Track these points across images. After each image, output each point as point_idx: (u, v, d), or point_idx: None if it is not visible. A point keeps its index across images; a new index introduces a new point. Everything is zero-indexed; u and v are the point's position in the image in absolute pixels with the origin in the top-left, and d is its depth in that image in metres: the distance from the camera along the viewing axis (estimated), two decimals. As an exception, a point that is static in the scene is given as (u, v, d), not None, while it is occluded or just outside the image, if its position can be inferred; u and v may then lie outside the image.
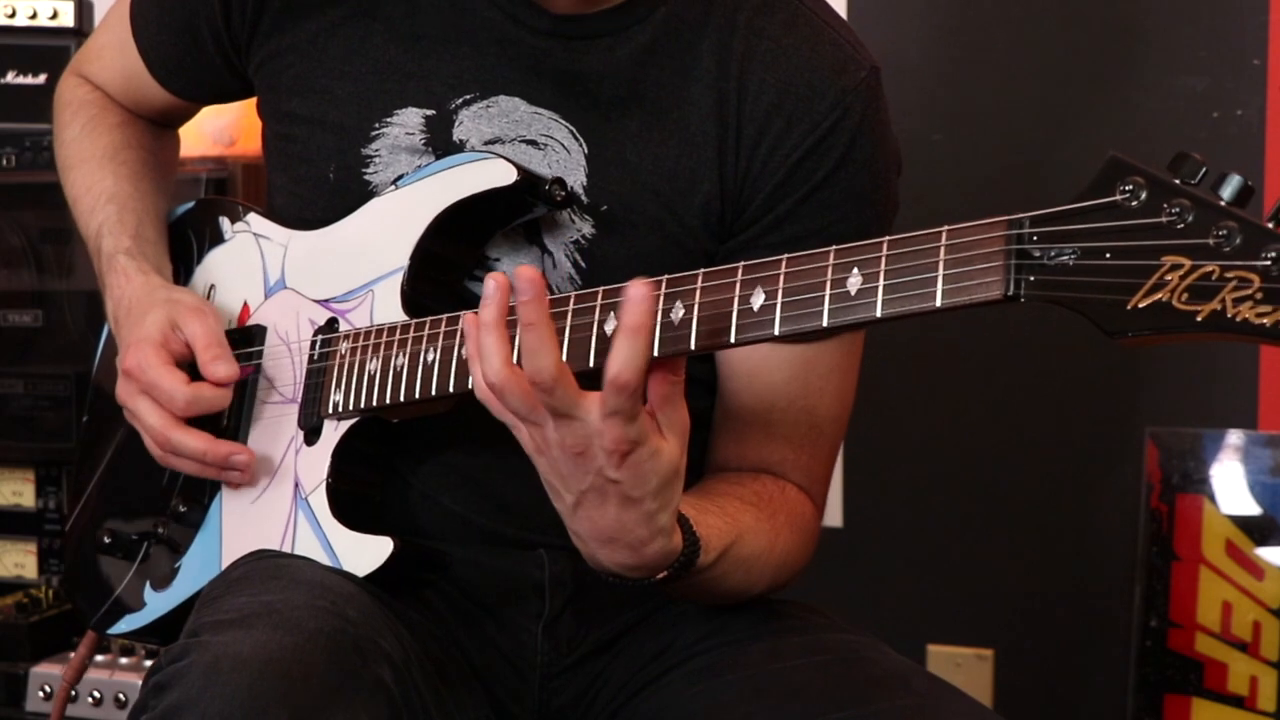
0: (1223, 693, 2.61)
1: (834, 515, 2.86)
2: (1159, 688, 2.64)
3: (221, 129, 2.75)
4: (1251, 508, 2.63)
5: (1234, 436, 2.65)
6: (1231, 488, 2.64)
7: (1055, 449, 2.79)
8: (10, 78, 2.68)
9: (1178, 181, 1.08)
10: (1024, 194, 2.72)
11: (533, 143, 1.58)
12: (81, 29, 2.67)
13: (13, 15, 2.67)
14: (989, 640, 2.84)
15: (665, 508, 1.31)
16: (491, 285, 1.32)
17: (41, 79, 2.67)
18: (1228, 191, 1.07)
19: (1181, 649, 2.64)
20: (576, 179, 1.57)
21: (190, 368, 1.60)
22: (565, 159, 1.57)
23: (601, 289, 1.34)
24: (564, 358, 1.28)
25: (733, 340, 1.27)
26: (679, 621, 1.59)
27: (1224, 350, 2.63)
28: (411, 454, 1.60)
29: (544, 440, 1.30)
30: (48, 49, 2.67)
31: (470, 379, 1.36)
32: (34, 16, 2.67)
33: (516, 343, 1.28)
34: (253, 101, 1.82)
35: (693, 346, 1.28)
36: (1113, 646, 2.74)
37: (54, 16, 2.67)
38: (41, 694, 2.53)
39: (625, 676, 1.59)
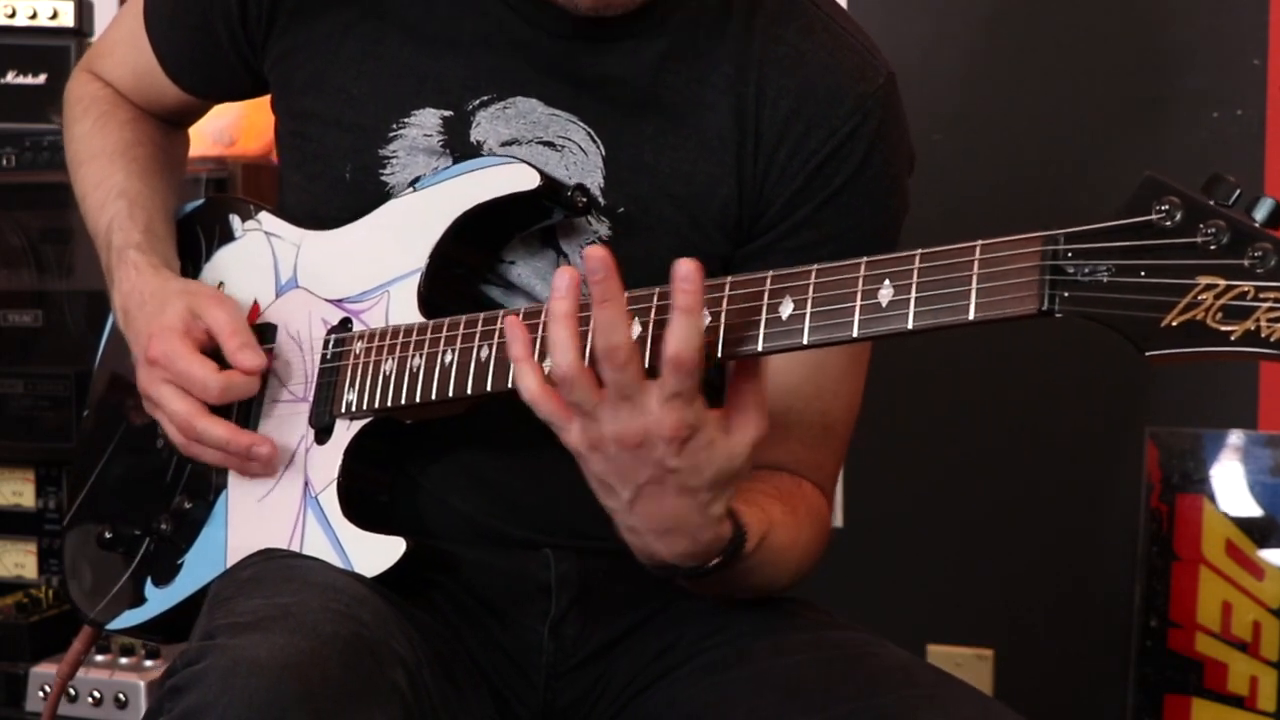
0: (1223, 693, 2.62)
1: (834, 515, 2.86)
2: (1159, 688, 2.65)
3: (222, 129, 2.75)
4: (1252, 508, 2.63)
5: (1234, 436, 2.65)
6: (1231, 488, 2.65)
7: (1055, 449, 2.79)
8: (10, 78, 2.68)
9: (1212, 203, 1.09)
10: (1023, 194, 2.77)
11: (550, 144, 1.57)
12: (81, 29, 2.66)
13: (13, 15, 2.66)
14: (989, 640, 2.84)
15: (719, 499, 1.32)
16: (565, 279, 1.30)
17: (41, 79, 2.66)
18: (1261, 213, 1.08)
19: (1181, 649, 2.64)
20: (594, 181, 1.56)
21: (212, 356, 1.59)
22: (582, 161, 1.57)
23: (625, 295, 1.33)
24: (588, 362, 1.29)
25: (760, 349, 1.27)
26: (683, 620, 1.59)
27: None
28: (421, 454, 1.60)
29: (599, 436, 1.29)
30: (48, 49, 2.66)
31: (510, 378, 1.35)
32: (34, 16, 2.67)
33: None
34: (254, 101, 1.82)
35: (719, 354, 1.28)
36: (1113, 646, 2.74)
37: (54, 16, 2.67)
38: (41, 694, 2.53)
39: (630, 675, 1.59)
